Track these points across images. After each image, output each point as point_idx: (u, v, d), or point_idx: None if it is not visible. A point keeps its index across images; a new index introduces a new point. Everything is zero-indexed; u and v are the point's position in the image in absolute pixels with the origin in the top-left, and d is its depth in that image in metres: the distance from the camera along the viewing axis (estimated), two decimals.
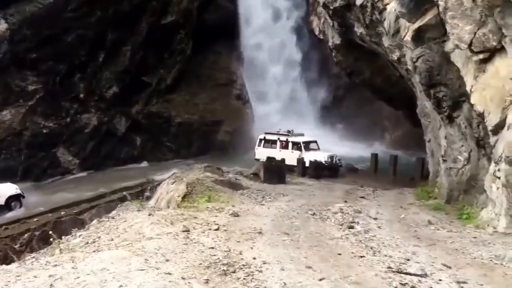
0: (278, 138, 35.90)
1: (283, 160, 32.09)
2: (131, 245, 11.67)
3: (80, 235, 15.49)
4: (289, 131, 36.20)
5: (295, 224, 15.70)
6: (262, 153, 35.58)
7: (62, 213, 27.85)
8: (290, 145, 35.03)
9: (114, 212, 20.41)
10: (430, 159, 26.69)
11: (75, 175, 41.62)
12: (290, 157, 34.02)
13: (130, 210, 18.18)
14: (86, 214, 27.91)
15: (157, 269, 9.58)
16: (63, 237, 17.37)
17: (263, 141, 36.63)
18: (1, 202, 29.88)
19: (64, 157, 42.22)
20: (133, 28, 45.21)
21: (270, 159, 33.82)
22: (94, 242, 13.54)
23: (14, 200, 30.47)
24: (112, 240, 13.21)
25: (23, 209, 30.28)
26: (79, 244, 13.78)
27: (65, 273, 9.19)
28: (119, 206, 22.65)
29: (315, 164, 32.65)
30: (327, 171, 32.98)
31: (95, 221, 18.14)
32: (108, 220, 16.52)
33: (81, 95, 43.01)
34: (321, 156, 33.52)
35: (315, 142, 36.17)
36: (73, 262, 10.02)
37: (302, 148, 34.36)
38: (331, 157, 34.01)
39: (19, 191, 31.09)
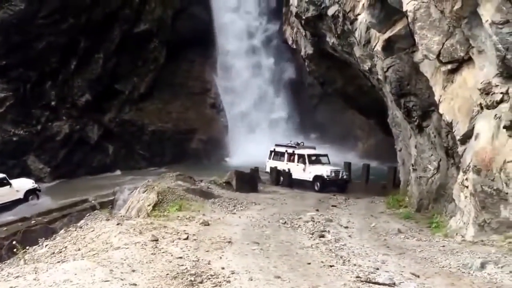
0: (286, 151, 35.48)
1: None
2: (97, 255, 11.48)
3: (46, 245, 15.16)
4: (298, 143, 35.73)
5: (266, 233, 15.65)
6: (271, 165, 35.36)
7: (33, 222, 27.33)
8: (296, 157, 34.57)
9: (82, 221, 19.96)
10: (401, 168, 26.91)
11: (46, 183, 40.95)
12: (296, 169, 33.66)
13: (99, 220, 17.84)
14: (57, 223, 27.37)
15: (122, 280, 9.41)
16: (30, 247, 16.91)
17: (272, 153, 36.18)
18: (20, 196, 32.32)
19: (35, 165, 41.64)
20: (106, 36, 44.82)
21: (278, 172, 33.74)
22: (60, 252, 13.28)
23: (31, 193, 33.08)
24: (79, 250, 12.99)
25: (41, 200, 33.06)
26: (45, 254, 13.50)
27: (27, 284, 8.99)
28: (87, 215, 22.24)
29: (317, 177, 32.44)
30: (333, 186, 32.26)
31: (62, 231, 17.83)
32: (75, 230, 16.19)
33: (53, 103, 42.51)
34: (323, 170, 32.58)
35: (326, 156, 35.13)
36: (35, 273, 9.78)
37: (306, 160, 33.85)
38: (336, 171, 32.77)
39: (35, 185, 33.92)
